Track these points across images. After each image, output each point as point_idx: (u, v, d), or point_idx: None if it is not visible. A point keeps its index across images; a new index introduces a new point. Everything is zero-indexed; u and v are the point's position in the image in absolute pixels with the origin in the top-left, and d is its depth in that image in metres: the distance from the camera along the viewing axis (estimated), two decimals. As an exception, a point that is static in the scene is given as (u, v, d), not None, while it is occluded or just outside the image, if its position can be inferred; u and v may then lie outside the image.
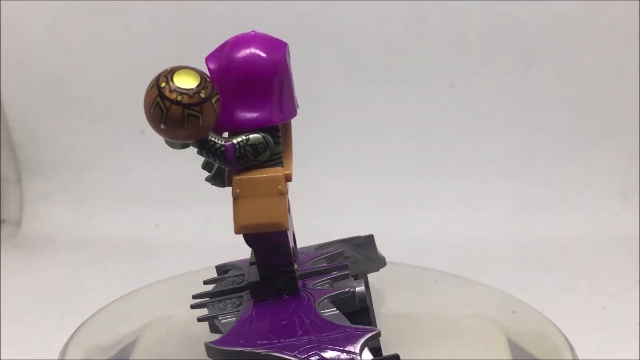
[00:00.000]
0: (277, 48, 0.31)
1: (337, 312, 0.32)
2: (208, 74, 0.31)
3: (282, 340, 0.30)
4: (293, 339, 0.30)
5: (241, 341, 0.31)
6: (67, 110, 0.83)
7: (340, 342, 0.30)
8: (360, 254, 0.41)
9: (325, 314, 0.31)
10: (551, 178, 0.82)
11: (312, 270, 0.35)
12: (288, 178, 0.31)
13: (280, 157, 0.32)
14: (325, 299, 0.32)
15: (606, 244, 0.77)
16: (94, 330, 0.42)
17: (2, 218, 0.87)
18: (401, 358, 0.34)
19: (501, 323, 0.42)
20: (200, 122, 0.30)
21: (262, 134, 0.31)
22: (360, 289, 0.33)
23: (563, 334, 0.40)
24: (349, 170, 0.81)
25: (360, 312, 0.33)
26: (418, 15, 0.80)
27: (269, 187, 0.31)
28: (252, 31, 0.32)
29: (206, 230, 0.80)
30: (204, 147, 0.31)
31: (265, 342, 0.31)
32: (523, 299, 0.45)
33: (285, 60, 0.31)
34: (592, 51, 0.81)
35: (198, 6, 0.80)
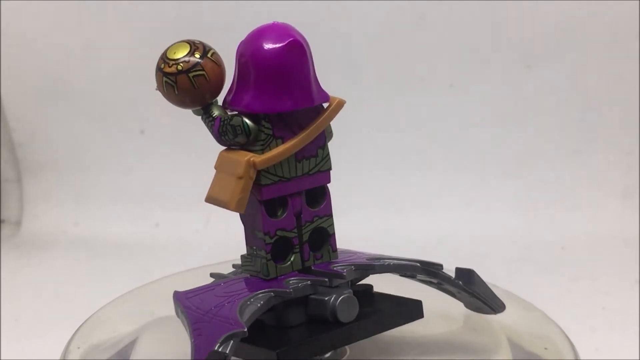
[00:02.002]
0: (277, 41, 0.32)
1: (256, 306, 0.32)
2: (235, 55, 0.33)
3: (200, 309, 0.33)
4: (205, 311, 0.32)
5: (186, 299, 0.34)
6: (67, 110, 0.83)
7: (214, 328, 0.31)
8: (460, 286, 0.37)
9: (243, 303, 0.32)
10: (551, 178, 0.82)
11: (314, 269, 0.35)
12: (254, 165, 0.33)
13: (262, 145, 0.33)
14: (270, 292, 0.33)
15: (606, 244, 0.77)
16: (94, 330, 0.42)
17: (2, 218, 0.87)
18: (401, 358, 0.34)
19: (501, 323, 0.42)
20: (176, 92, 0.33)
21: (243, 118, 0.33)
22: (333, 302, 0.33)
23: (565, 333, 0.40)
24: (348, 170, 0.81)
25: (333, 325, 0.33)
26: (418, 15, 0.80)
27: (231, 168, 0.33)
28: (273, 22, 0.33)
29: (206, 230, 0.80)
30: (205, 115, 0.34)
31: (193, 306, 0.33)
32: (523, 298, 0.45)
33: (281, 53, 0.32)
34: (592, 51, 0.81)
35: (199, 6, 0.80)
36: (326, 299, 0.33)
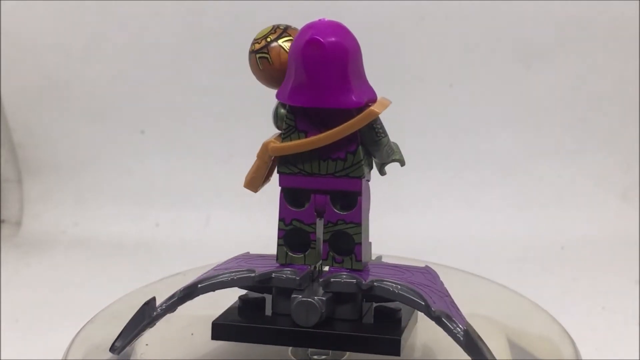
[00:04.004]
0: (302, 37, 0.33)
1: (227, 279, 0.34)
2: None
3: (215, 269, 0.36)
4: (212, 271, 0.36)
5: (232, 259, 0.37)
6: (67, 110, 0.83)
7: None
8: (462, 345, 0.33)
9: (227, 273, 0.35)
10: (551, 178, 0.82)
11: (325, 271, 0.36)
12: (269, 150, 0.34)
13: (284, 134, 0.34)
14: (251, 272, 0.34)
15: (606, 244, 0.77)
16: (94, 330, 0.42)
17: (2, 218, 0.87)
18: (400, 358, 0.34)
19: (501, 323, 0.42)
20: (251, 68, 0.35)
21: (278, 105, 0.35)
22: (293, 302, 0.33)
23: (567, 332, 0.40)
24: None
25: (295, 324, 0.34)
26: (418, 15, 0.80)
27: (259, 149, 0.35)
28: (320, 19, 0.35)
29: (206, 230, 0.80)
30: None
31: (222, 264, 0.36)
32: (524, 296, 0.45)
33: (298, 50, 0.33)
34: (592, 51, 0.81)
35: (198, 6, 0.80)
36: (293, 296, 0.34)
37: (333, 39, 0.34)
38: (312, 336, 0.34)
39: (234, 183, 0.80)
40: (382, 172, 0.36)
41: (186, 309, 0.36)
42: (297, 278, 0.34)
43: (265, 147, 0.34)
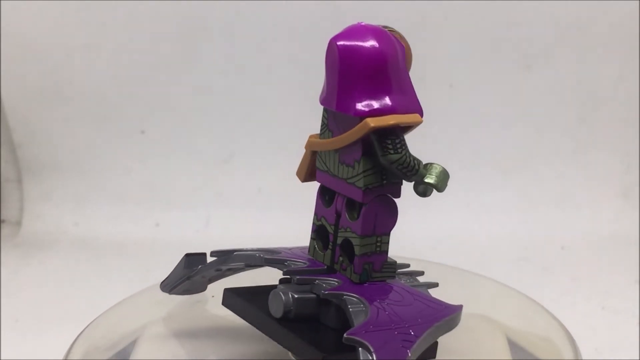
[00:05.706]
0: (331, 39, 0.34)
1: (247, 255, 0.37)
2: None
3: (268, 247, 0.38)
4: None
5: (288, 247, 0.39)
6: (68, 110, 0.83)
7: None
8: None
9: (256, 251, 0.37)
10: (551, 178, 0.82)
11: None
12: (307, 143, 0.36)
13: (320, 131, 0.35)
14: (266, 255, 0.36)
15: (606, 244, 0.77)
16: (95, 331, 0.42)
17: (2, 218, 0.87)
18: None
19: (501, 323, 0.42)
20: None
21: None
22: (273, 291, 0.34)
23: (567, 332, 0.40)
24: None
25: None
26: (418, 15, 0.80)
27: None
28: (358, 22, 0.35)
29: (206, 230, 0.80)
30: None
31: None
32: (525, 295, 0.45)
33: (326, 55, 0.33)
34: (592, 51, 0.81)
35: (199, 6, 0.80)
36: (278, 285, 0.35)
37: (349, 43, 0.33)
38: (272, 328, 0.34)
39: (234, 183, 0.81)
40: (417, 192, 0.35)
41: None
42: (285, 269, 0.34)
43: (308, 141, 0.35)
